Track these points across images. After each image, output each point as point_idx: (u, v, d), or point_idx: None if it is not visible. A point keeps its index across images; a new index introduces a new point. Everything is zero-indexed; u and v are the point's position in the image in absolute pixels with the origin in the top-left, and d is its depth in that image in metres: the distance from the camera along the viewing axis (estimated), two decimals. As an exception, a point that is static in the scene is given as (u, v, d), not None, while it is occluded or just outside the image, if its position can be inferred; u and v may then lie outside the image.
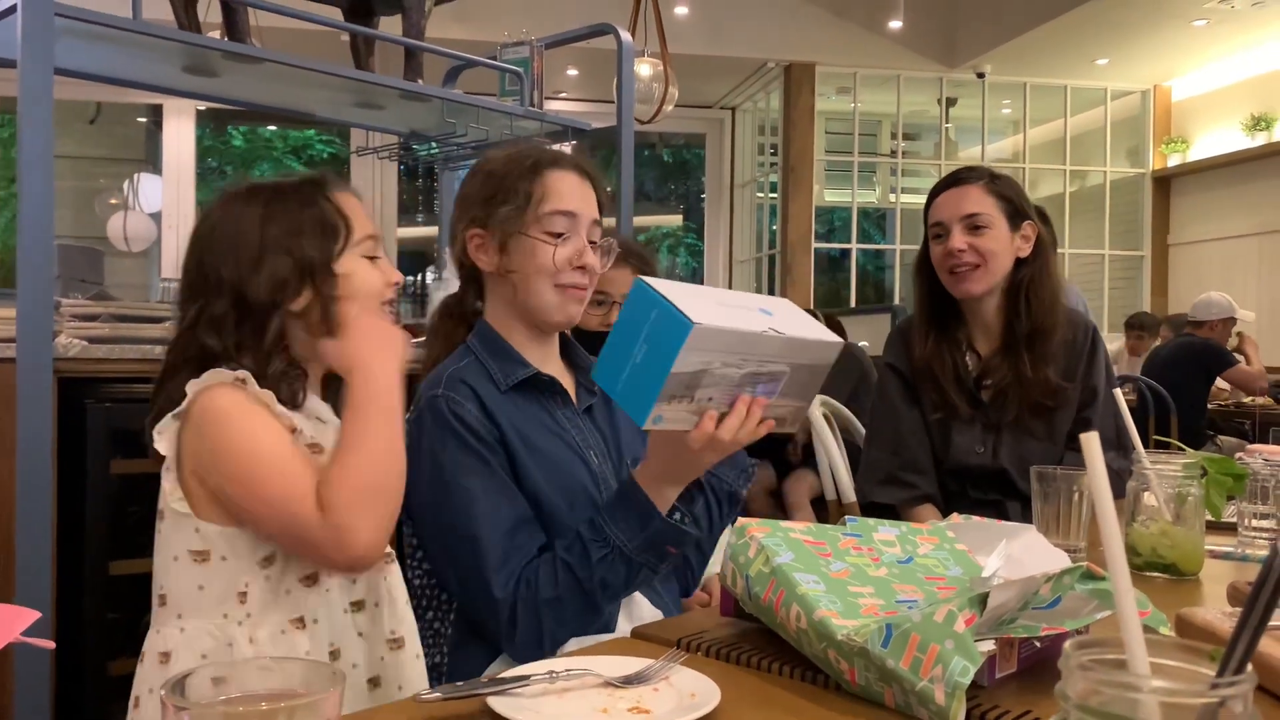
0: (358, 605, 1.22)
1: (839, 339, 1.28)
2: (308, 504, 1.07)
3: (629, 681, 0.88)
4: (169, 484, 1.14)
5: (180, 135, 8.42)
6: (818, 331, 1.27)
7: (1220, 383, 5.55)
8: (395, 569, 1.27)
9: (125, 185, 8.01)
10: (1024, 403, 2.03)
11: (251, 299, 1.17)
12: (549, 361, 1.50)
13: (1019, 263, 2.05)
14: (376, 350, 1.15)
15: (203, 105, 8.14)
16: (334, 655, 1.20)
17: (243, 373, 1.14)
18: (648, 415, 1.15)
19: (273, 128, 11.59)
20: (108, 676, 2.07)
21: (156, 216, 8.09)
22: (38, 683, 1.79)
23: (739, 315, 1.19)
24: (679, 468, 1.28)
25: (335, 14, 2.66)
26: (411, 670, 1.25)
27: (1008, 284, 2.05)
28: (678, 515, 1.29)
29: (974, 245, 2.01)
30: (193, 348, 1.18)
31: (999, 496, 2.06)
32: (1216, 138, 8.41)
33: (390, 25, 2.71)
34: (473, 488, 1.32)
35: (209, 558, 1.13)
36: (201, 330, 1.18)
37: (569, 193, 1.46)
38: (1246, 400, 5.68)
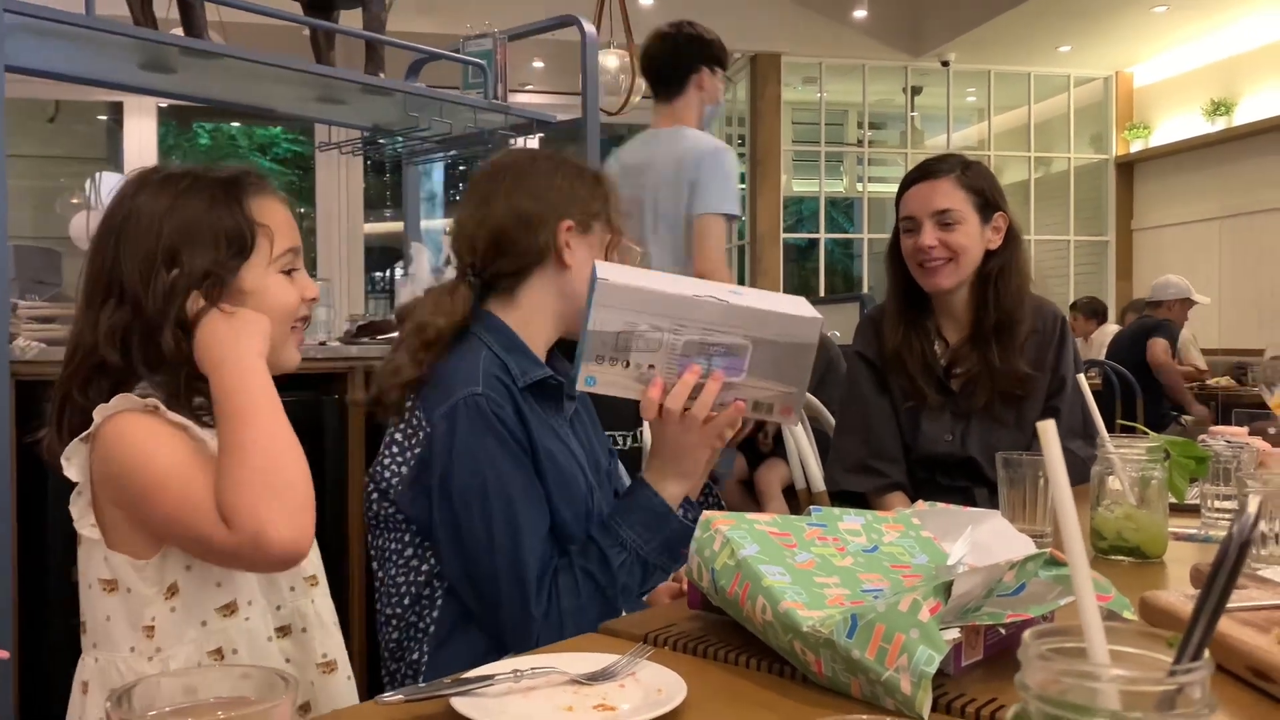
0: (283, 631, 1.18)
1: (816, 315, 1.24)
2: (209, 520, 1.01)
3: (595, 678, 0.87)
4: (78, 510, 1.10)
5: (142, 133, 8.31)
6: (791, 307, 1.24)
7: (1183, 364, 5.60)
8: (322, 589, 1.23)
9: (87, 184, 7.88)
10: (992, 392, 2.04)
11: (146, 308, 1.10)
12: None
13: (989, 254, 2.06)
14: (231, 342, 1.08)
15: (164, 102, 8.03)
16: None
17: (153, 401, 1.08)
18: (578, 375, 1.18)
19: (237, 124, 11.47)
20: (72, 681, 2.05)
21: (118, 215, 7.98)
22: (0, 694, 1.76)
23: (680, 285, 1.21)
24: (678, 463, 1.28)
25: (295, 8, 2.63)
26: (344, 692, 1.21)
27: (977, 275, 2.05)
28: (689, 517, 1.30)
29: (945, 241, 2.01)
30: (93, 358, 1.11)
31: (967, 483, 2.07)
32: (1178, 123, 8.50)
33: (352, 19, 2.68)
34: (515, 497, 1.29)
35: (116, 588, 1.09)
36: (103, 343, 1.11)
37: (619, 208, 1.52)
38: (1210, 382, 5.75)
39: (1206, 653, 0.47)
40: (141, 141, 8.32)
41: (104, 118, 9.02)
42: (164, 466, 1.04)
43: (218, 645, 1.11)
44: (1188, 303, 5.54)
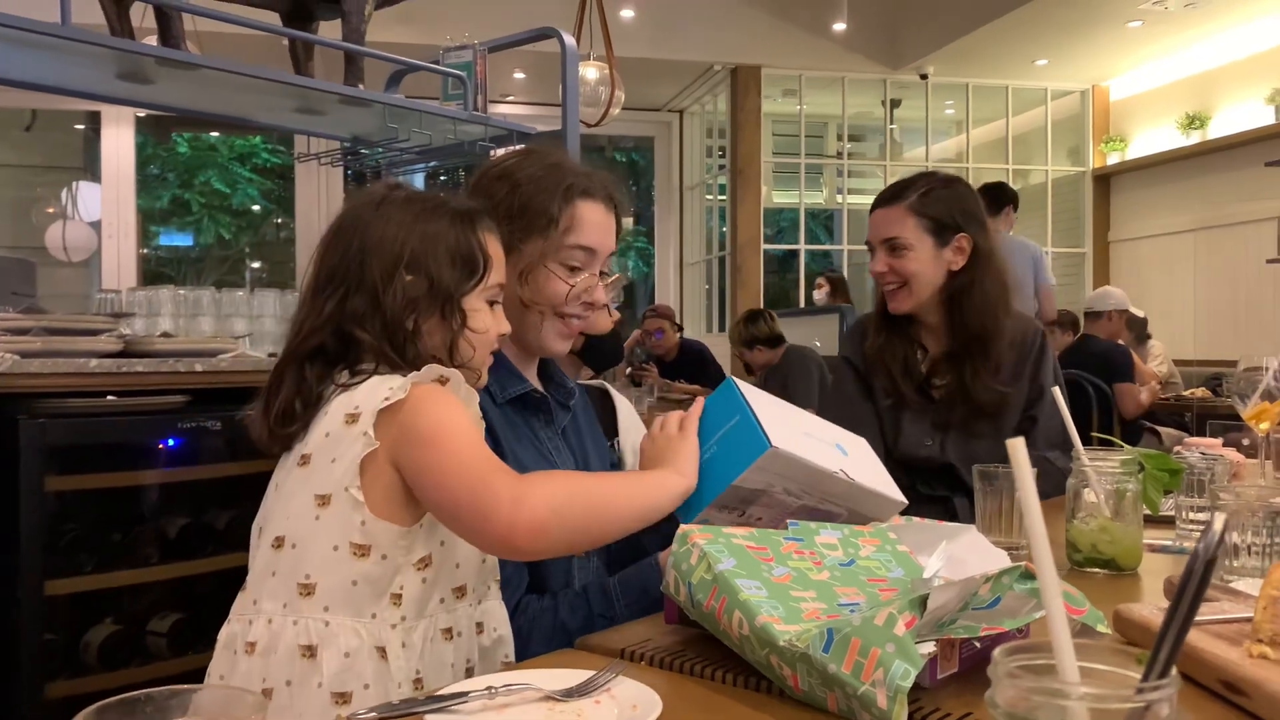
0: (478, 627, 1.23)
1: (903, 499, 1.26)
2: (499, 474, 1.08)
3: (570, 694, 0.87)
4: (346, 470, 1.11)
5: (120, 142, 8.24)
6: (885, 484, 1.26)
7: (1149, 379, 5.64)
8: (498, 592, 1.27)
9: (63, 194, 7.83)
10: (968, 407, 2.06)
11: (385, 306, 1.18)
12: (532, 379, 1.47)
13: (954, 274, 2.08)
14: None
15: (142, 111, 7.98)
16: (469, 672, 1.19)
17: (450, 371, 1.15)
18: (695, 516, 1.16)
19: (217, 134, 11.41)
20: (45, 699, 2.02)
21: (96, 225, 7.92)
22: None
23: (817, 448, 1.19)
24: None
25: (274, 19, 2.62)
26: None
27: (946, 294, 2.09)
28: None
29: (894, 268, 2.08)
30: (334, 337, 1.19)
31: (946, 492, 2.09)
32: (1153, 136, 8.58)
33: (331, 30, 2.67)
34: None
35: (369, 553, 1.11)
36: (347, 321, 1.18)
37: (595, 226, 1.42)
38: (1186, 393, 5.79)
39: (1174, 670, 0.47)
40: (119, 151, 8.25)
41: (81, 127, 8.95)
42: (467, 433, 1.11)
43: (449, 625, 1.17)
44: (1125, 313, 5.62)
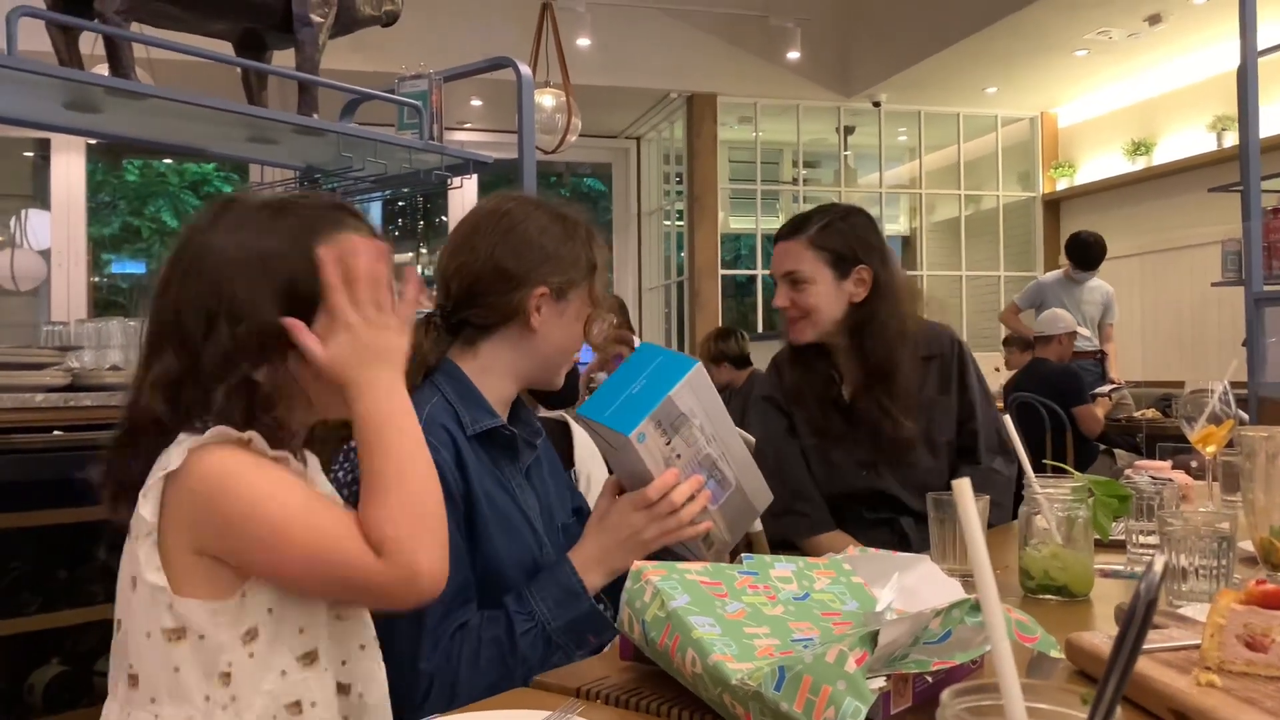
0: (343, 689, 1.09)
1: (770, 495, 1.43)
2: (357, 553, 0.97)
3: (524, 736, 0.86)
4: (144, 552, 1.00)
5: (70, 170, 8.13)
6: (763, 482, 1.42)
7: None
8: (378, 652, 1.15)
9: (12, 222, 7.70)
10: (887, 434, 2.08)
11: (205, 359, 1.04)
12: (504, 415, 1.47)
13: (856, 305, 2.09)
14: (369, 363, 1.03)
15: (93, 139, 7.88)
16: None
17: (250, 433, 1.01)
18: (636, 425, 1.23)
19: (169, 161, 11.29)
20: (-14, 744, 1.97)
21: (46, 254, 7.79)
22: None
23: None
24: (619, 554, 1.30)
25: (226, 48, 2.60)
26: None
27: (849, 325, 2.10)
28: (601, 605, 1.30)
29: (795, 300, 2.09)
30: (143, 415, 1.05)
31: (890, 514, 2.09)
32: (1100, 162, 8.75)
33: (285, 59, 2.66)
34: None
35: (184, 635, 0.99)
36: (155, 391, 1.04)
37: (605, 268, 1.50)
38: (1137, 414, 5.89)
39: (1119, 711, 0.48)
40: (70, 178, 8.13)
41: (30, 154, 8.82)
42: (292, 501, 0.99)
43: (296, 698, 1.03)
44: (1073, 335, 5.74)
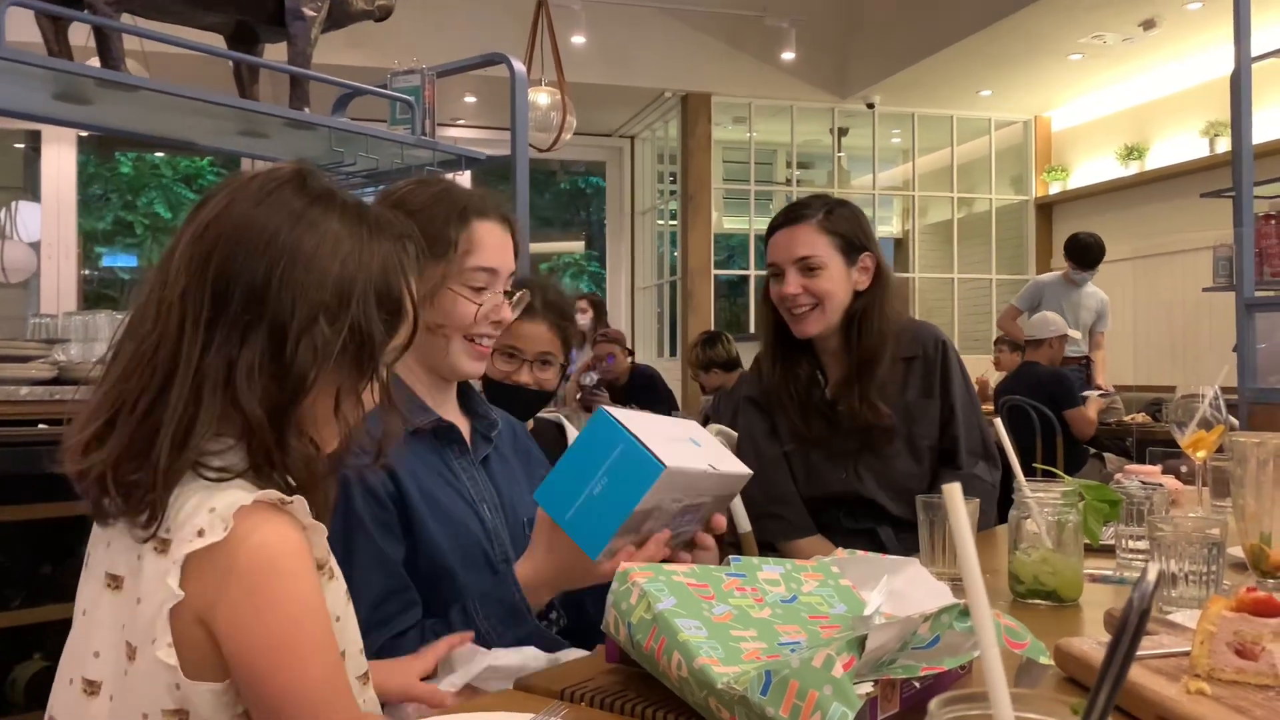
0: None
1: (748, 470, 1.35)
2: (346, 701, 0.91)
3: (508, 739, 0.85)
4: (157, 623, 0.88)
5: (61, 162, 8.09)
6: (732, 463, 1.34)
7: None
8: None
9: (2, 213, 7.65)
10: (869, 429, 2.03)
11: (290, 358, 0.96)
12: (447, 408, 1.46)
13: (858, 294, 2.04)
14: None
15: (84, 131, 7.85)
16: None
17: (295, 498, 0.92)
18: (602, 548, 1.16)
19: (161, 154, 11.26)
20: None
21: (36, 246, 7.75)
22: None
23: (687, 452, 1.22)
24: (572, 578, 1.27)
25: (218, 41, 2.59)
26: None
27: (848, 315, 2.04)
28: (553, 615, 1.28)
29: (808, 288, 2.00)
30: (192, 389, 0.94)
31: (871, 523, 2.05)
32: (1094, 166, 8.76)
33: (277, 52, 2.64)
34: (348, 556, 1.25)
35: (187, 718, 0.91)
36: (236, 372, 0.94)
37: (493, 246, 1.42)
38: (1127, 419, 5.90)
39: (1108, 721, 0.47)
40: (60, 170, 8.09)
41: (21, 146, 8.78)
42: (314, 636, 0.91)
43: None
44: (1064, 338, 5.74)
